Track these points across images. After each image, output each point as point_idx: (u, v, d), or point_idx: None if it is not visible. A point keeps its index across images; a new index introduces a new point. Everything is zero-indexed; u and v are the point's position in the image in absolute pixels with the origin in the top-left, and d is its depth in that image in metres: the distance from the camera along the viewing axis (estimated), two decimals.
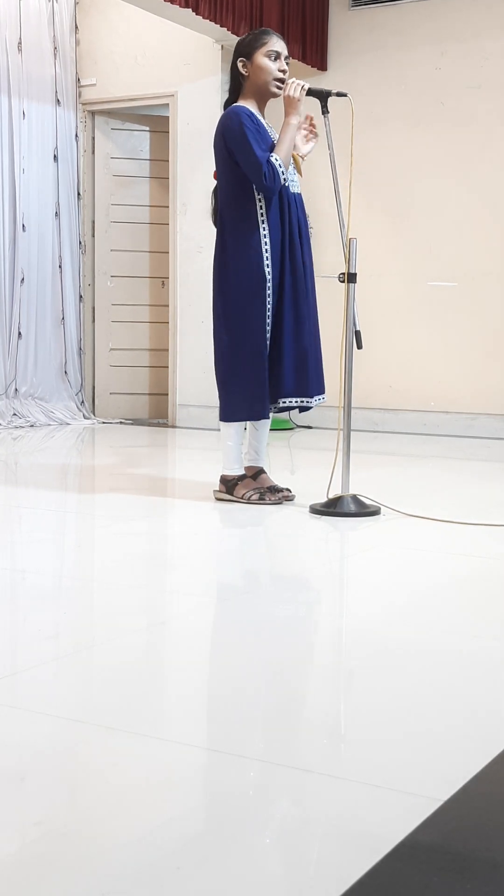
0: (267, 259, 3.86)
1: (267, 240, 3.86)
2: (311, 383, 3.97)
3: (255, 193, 3.85)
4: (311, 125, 4.06)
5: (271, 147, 3.85)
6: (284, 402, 3.94)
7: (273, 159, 3.79)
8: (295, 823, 1.42)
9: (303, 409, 4.03)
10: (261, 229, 3.86)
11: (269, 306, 3.88)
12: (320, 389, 4.04)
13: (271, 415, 4.14)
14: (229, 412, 4.00)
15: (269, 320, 3.89)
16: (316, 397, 4.01)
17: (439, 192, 6.86)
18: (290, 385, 3.90)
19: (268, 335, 3.89)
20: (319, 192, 6.91)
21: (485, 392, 6.80)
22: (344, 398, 3.83)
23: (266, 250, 3.86)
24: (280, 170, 3.80)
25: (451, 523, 3.63)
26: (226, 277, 3.94)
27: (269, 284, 3.87)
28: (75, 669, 2.08)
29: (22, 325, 7.27)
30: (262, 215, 3.86)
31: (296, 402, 3.95)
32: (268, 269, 3.86)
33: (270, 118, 4.11)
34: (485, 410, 6.81)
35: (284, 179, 3.84)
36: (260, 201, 3.87)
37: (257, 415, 3.98)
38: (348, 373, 3.82)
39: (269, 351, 3.90)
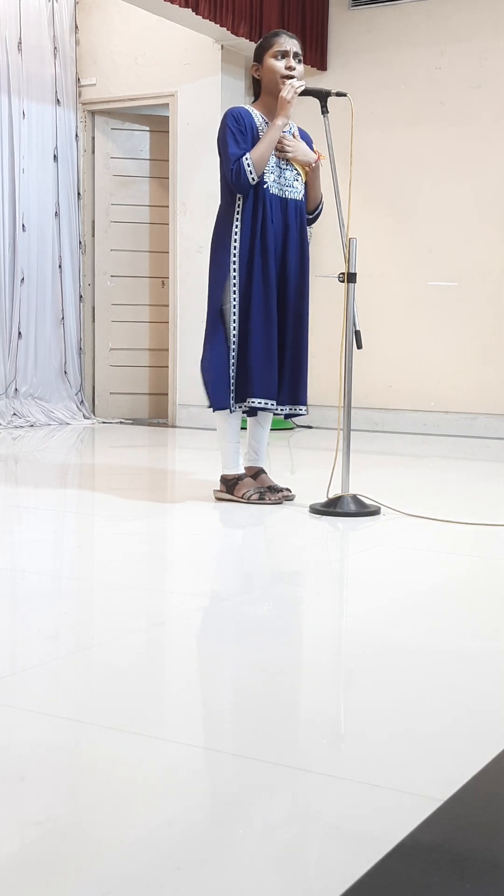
0: (234, 258, 3.87)
1: (237, 239, 3.87)
2: (283, 389, 3.96)
3: (236, 193, 3.88)
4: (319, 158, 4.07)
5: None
6: (252, 402, 3.89)
7: (243, 158, 3.80)
8: (295, 823, 1.42)
9: (278, 415, 4.02)
10: (234, 229, 3.88)
11: (234, 305, 3.88)
12: (297, 400, 4.01)
13: (271, 415, 4.14)
14: (209, 399, 3.99)
15: (234, 318, 3.89)
16: (289, 407, 3.99)
17: (439, 191, 6.86)
18: (257, 387, 3.88)
19: (234, 333, 3.89)
20: None
21: (485, 392, 6.80)
22: (344, 398, 3.83)
23: (234, 249, 3.86)
24: (248, 169, 3.80)
25: (451, 523, 3.63)
26: (209, 273, 3.99)
27: (236, 283, 3.87)
28: (75, 669, 2.08)
29: (22, 325, 7.28)
30: (237, 215, 3.88)
31: (261, 402, 3.88)
32: (234, 268, 3.87)
33: (294, 118, 4.10)
34: (485, 410, 6.81)
35: (253, 179, 3.82)
36: (238, 201, 3.88)
37: (220, 406, 3.94)
38: (348, 373, 3.82)
39: (238, 350, 3.89)
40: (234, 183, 3.81)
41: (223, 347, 3.90)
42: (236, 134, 3.84)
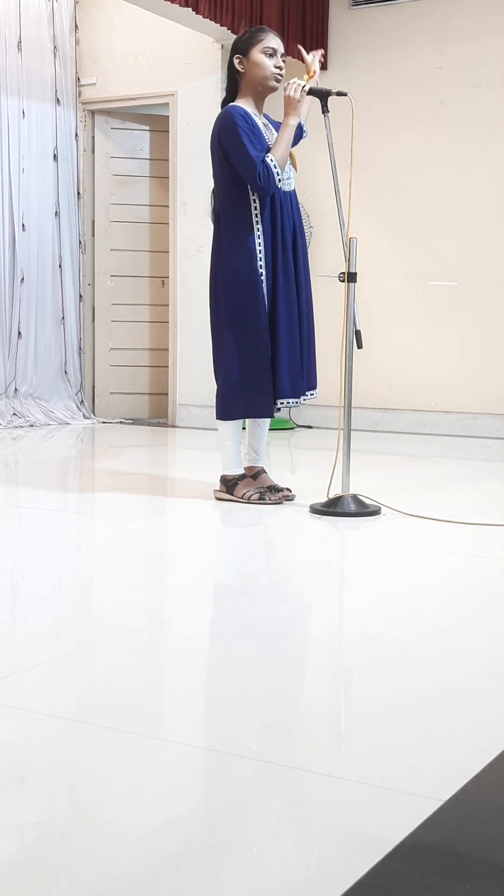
0: (260, 259, 3.86)
1: (261, 240, 3.86)
2: (304, 381, 3.99)
3: (251, 194, 3.85)
4: None
5: (268, 148, 3.85)
6: (281, 403, 3.93)
7: (268, 159, 3.79)
8: (295, 823, 1.42)
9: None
10: (255, 230, 3.86)
11: (264, 309, 3.87)
12: (311, 385, 4.05)
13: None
14: (228, 410, 3.99)
15: (265, 322, 3.88)
16: (307, 393, 4.03)
17: (439, 191, 6.86)
18: (286, 386, 3.90)
19: (266, 337, 3.89)
20: (319, 191, 6.92)
21: (485, 392, 6.80)
22: (344, 398, 3.83)
23: (259, 251, 3.86)
24: (275, 170, 3.80)
25: (451, 523, 3.63)
26: (222, 278, 3.94)
27: (263, 284, 3.87)
28: (75, 669, 2.08)
29: (22, 325, 7.27)
30: (256, 216, 3.86)
31: (291, 402, 3.94)
32: (261, 269, 3.86)
33: (271, 113, 4.11)
34: (485, 410, 6.81)
35: (279, 180, 3.83)
36: (255, 202, 3.86)
37: (261, 412, 3.97)
38: (348, 373, 3.82)
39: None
40: (263, 186, 3.78)
41: (261, 353, 3.88)
42: (249, 135, 3.82)
